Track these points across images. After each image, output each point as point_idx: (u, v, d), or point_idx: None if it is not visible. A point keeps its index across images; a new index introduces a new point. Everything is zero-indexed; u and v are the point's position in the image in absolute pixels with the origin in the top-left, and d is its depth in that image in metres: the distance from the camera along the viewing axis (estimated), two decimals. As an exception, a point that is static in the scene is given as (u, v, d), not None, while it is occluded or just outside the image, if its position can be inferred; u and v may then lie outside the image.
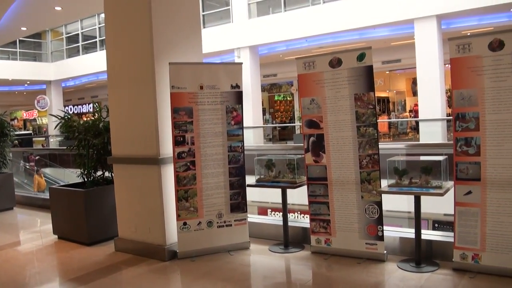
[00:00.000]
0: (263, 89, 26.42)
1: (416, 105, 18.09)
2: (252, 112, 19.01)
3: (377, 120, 5.41)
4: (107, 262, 6.03)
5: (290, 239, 6.14)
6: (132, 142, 6.18)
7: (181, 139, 5.83)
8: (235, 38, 19.50)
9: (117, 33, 6.35)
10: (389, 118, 23.45)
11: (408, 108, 24.99)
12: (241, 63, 6.26)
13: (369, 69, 5.32)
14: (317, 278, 5.37)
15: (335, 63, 5.48)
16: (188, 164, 5.86)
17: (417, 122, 18.29)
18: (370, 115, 5.35)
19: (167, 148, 5.91)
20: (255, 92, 19.49)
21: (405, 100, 26.00)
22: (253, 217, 6.76)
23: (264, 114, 25.47)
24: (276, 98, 30.05)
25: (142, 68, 5.96)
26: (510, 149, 4.65)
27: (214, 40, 19.51)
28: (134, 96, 6.09)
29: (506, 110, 4.64)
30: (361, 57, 5.34)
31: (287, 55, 20.41)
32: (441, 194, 4.89)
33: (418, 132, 17.69)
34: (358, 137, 5.41)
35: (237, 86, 6.08)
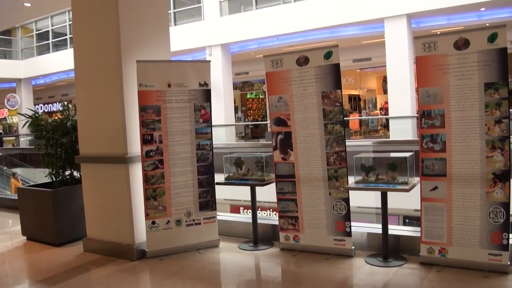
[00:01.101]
0: (235, 87, 26.42)
1: (387, 103, 18.29)
2: (224, 110, 19.00)
3: (346, 118, 5.48)
4: (75, 263, 5.96)
5: (259, 236, 6.17)
6: (99, 141, 6.13)
7: (149, 137, 5.80)
8: (206, 36, 19.45)
9: (84, 31, 6.28)
10: (360, 116, 23.66)
11: (379, 106, 25.26)
12: (209, 61, 6.26)
13: (336, 67, 5.38)
14: (285, 275, 5.40)
15: (303, 61, 5.52)
16: (156, 162, 5.83)
17: (387, 120, 18.51)
18: (337, 113, 5.41)
19: (135, 146, 5.87)
20: (227, 90, 19.47)
21: (376, 98, 26.28)
22: (222, 215, 6.76)
23: (236, 112, 25.48)
24: (248, 96, 30.06)
25: (109, 66, 5.91)
26: (475, 145, 4.76)
27: (185, 37, 19.44)
28: (101, 95, 6.04)
29: (470, 108, 4.75)
30: (328, 55, 5.39)
31: (258, 53, 20.41)
32: (407, 190, 4.97)
33: (388, 129, 17.91)
34: (326, 134, 5.46)
35: (205, 84, 6.07)
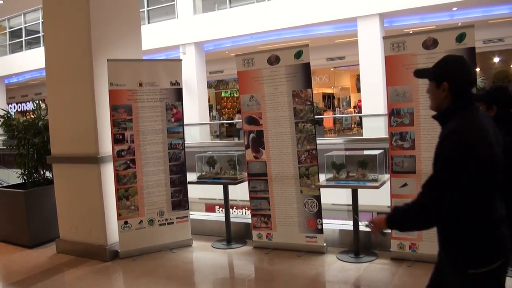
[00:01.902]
0: (210, 85, 26.36)
1: (360, 101, 18.45)
2: (198, 108, 18.91)
3: (318, 117, 5.51)
4: (48, 265, 5.88)
5: (233, 235, 6.18)
6: (71, 140, 6.06)
7: (121, 137, 5.76)
8: (180, 34, 19.33)
9: (55, 29, 6.20)
10: (334, 114, 23.82)
11: (352, 104, 25.47)
12: (180, 60, 6.25)
13: (306, 66, 5.42)
14: (258, 272, 5.44)
15: (274, 60, 5.54)
16: (128, 162, 5.79)
17: (361, 118, 18.67)
18: (307, 111, 5.45)
19: (106, 146, 5.82)
20: (201, 89, 19.38)
21: (350, 96, 26.49)
22: (195, 214, 6.76)
23: (211, 110, 25.42)
24: (223, 94, 30.01)
25: (80, 65, 5.85)
26: (442, 143, 4.83)
27: (159, 36, 19.29)
28: (72, 94, 5.97)
29: (438, 106, 4.82)
30: (298, 55, 5.42)
31: (233, 51, 20.30)
32: (377, 187, 5.04)
33: (362, 127, 18.06)
34: (297, 133, 5.50)
35: (177, 83, 6.06)
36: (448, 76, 2.53)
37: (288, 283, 4.88)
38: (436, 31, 4.86)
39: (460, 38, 4.72)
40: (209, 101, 23.53)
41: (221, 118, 28.59)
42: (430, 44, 4.83)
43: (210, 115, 23.28)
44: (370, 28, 16.15)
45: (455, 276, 2.51)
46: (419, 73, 2.78)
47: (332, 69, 24.38)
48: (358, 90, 22.19)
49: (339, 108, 26.34)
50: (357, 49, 16.47)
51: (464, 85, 2.53)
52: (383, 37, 5.13)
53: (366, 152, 5.72)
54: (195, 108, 18.79)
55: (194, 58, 19.07)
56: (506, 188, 2.55)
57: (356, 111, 22.60)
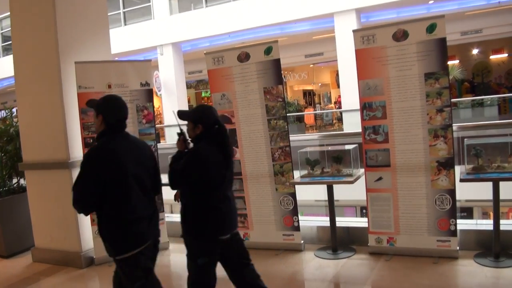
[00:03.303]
0: (190, 86, 26.18)
1: (340, 96, 18.44)
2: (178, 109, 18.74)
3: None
4: (24, 274, 5.76)
5: (210, 236, 6.08)
6: (41, 146, 5.92)
7: (91, 140, 5.62)
8: (157, 35, 19.14)
9: (22, 34, 6.06)
10: (314, 110, 23.81)
11: (333, 100, 25.46)
12: (149, 60, 6.15)
13: (277, 62, 5.34)
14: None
15: (243, 57, 5.46)
16: (101, 166, 5.66)
17: (341, 113, 18.67)
18: (279, 108, 5.37)
19: (77, 151, 5.70)
20: (180, 89, 19.21)
21: (330, 92, 26.48)
22: (172, 216, 6.66)
23: (191, 111, 25.23)
24: (203, 94, 29.77)
25: (48, 69, 5.73)
26: (417, 135, 4.80)
27: (136, 37, 19.12)
28: (41, 98, 5.84)
29: (412, 98, 4.79)
30: (268, 51, 5.34)
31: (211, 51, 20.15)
32: (351, 182, 4.98)
33: (342, 122, 18.07)
34: (269, 130, 5.43)
35: (147, 84, 5.95)
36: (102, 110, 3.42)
37: (265, 283, 4.80)
38: (406, 23, 4.80)
39: (431, 28, 4.68)
40: (189, 102, 23.37)
41: (202, 118, 28.26)
42: (400, 36, 4.78)
43: (190, 116, 23.06)
44: (347, 23, 16.08)
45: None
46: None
47: (311, 65, 24.31)
48: (338, 86, 22.23)
49: (320, 104, 26.31)
50: (335, 45, 16.42)
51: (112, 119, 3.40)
52: (353, 31, 5.06)
53: (339, 147, 5.65)
54: (175, 109, 18.60)
55: (172, 59, 18.90)
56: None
57: (337, 106, 22.59)
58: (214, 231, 3.47)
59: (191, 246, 3.58)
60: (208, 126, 3.50)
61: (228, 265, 3.67)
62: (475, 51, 21.35)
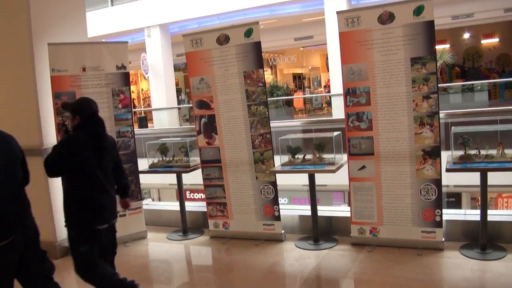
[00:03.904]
0: (178, 68, 25.82)
1: (329, 80, 18.22)
2: (165, 92, 18.42)
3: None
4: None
5: (189, 224, 5.93)
6: (13, 132, 5.57)
7: (65, 126, 5.37)
8: (144, 16, 18.77)
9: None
10: (304, 94, 23.56)
11: (323, 84, 25.23)
12: (126, 42, 5.88)
13: (257, 45, 5.10)
14: (214, 264, 5.21)
15: (223, 40, 5.22)
16: (75, 152, 5.44)
17: (330, 97, 18.46)
18: (260, 93, 5.15)
19: (51, 137, 5.44)
20: (167, 72, 18.87)
21: (320, 76, 26.22)
22: (150, 204, 6.49)
23: (179, 94, 24.90)
24: (192, 77, 29.48)
25: (20, 51, 5.43)
26: (402, 122, 4.61)
27: (122, 18, 18.74)
28: (13, 82, 5.55)
29: (397, 84, 4.58)
30: (248, 33, 5.10)
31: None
32: (333, 171, 4.79)
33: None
34: (249, 116, 5.21)
35: (123, 67, 5.71)
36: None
37: (242, 275, 4.64)
38: (392, 4, 4.57)
39: (418, 11, 4.46)
40: (177, 85, 23.05)
41: (191, 102, 28.04)
42: (386, 18, 4.56)
43: (178, 99, 22.79)
44: (337, 6, 15.80)
45: None
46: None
47: (301, 48, 24.01)
48: (328, 70, 22.05)
49: (310, 88, 26.06)
50: (325, 28, 16.15)
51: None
52: (337, 12, 4.83)
53: (321, 134, 5.45)
54: (163, 92, 18.35)
55: (160, 41, 18.54)
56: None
57: (326, 90, 22.37)
58: (91, 220, 3.58)
59: (72, 235, 3.64)
60: (85, 118, 3.62)
61: (103, 253, 3.77)
62: (466, 36, 21.15)
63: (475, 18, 17.50)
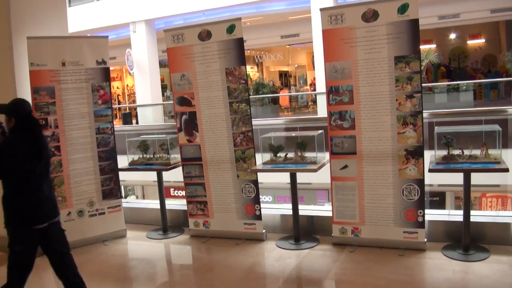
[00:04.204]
0: (164, 64, 25.59)
1: (315, 78, 18.17)
2: (150, 89, 18.27)
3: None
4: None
5: (170, 222, 5.85)
6: (-10, 127, 5.53)
7: (44, 122, 5.28)
8: (130, 11, 18.59)
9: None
10: (289, 92, 23.48)
11: (309, 82, 25.17)
12: (106, 37, 5.76)
13: (239, 41, 5.02)
14: (193, 263, 5.13)
15: (205, 35, 5.13)
16: (53, 149, 5.32)
17: (316, 95, 18.42)
18: (242, 91, 5.07)
19: (29, 131, 5.32)
20: (153, 68, 18.70)
21: (306, 74, 26.16)
22: (130, 202, 6.38)
23: (165, 90, 24.71)
24: (178, 74, 29.31)
25: (-1, 44, 5.32)
26: (385, 122, 4.56)
27: (108, 13, 18.54)
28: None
29: (380, 82, 4.53)
30: (231, 29, 5.02)
31: (185, 29, 19.61)
32: (315, 170, 4.72)
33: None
34: (231, 113, 5.13)
35: (103, 62, 5.59)
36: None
37: (222, 275, 4.56)
38: (376, 2, 4.51)
39: (402, 9, 4.40)
40: (163, 81, 22.85)
41: (176, 98, 27.81)
42: (370, 16, 4.50)
43: (164, 95, 22.60)
44: (323, 4, 15.76)
45: None
46: None
47: (287, 46, 23.95)
48: (314, 68, 21.98)
49: (295, 86, 25.99)
50: (311, 26, 16.10)
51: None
52: (320, 9, 4.77)
53: (305, 133, 5.38)
54: (147, 89, 18.19)
55: (145, 37, 18.38)
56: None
57: (312, 89, 22.33)
58: (28, 220, 3.57)
59: (9, 234, 3.62)
60: (20, 119, 3.61)
61: (48, 253, 3.80)
62: (452, 36, 21.23)
63: (461, 18, 17.55)
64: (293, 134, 5.35)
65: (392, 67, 4.45)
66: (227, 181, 5.28)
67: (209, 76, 5.16)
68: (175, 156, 5.65)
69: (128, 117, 18.11)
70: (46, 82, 5.30)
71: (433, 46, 20.19)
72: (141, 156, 5.80)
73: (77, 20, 18.57)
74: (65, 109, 5.38)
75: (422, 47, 20.45)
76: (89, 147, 5.55)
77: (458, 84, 14.89)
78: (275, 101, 19.02)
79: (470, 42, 21.18)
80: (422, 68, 15.83)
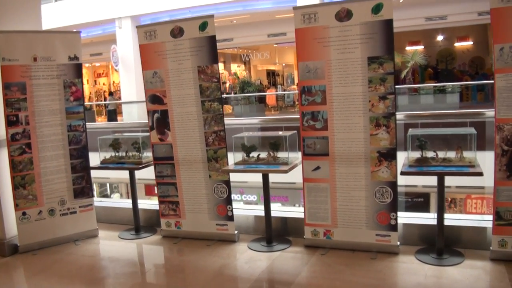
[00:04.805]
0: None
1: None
2: (135, 85, 18.14)
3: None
4: None
5: (144, 222, 5.77)
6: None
7: (14, 118, 5.18)
8: (115, 7, 18.47)
9: None
10: (276, 91, 23.46)
11: (296, 81, 25.14)
12: (79, 32, 5.66)
13: (212, 39, 4.93)
14: (166, 264, 5.04)
15: (177, 32, 5.04)
16: (24, 147, 5.23)
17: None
18: (214, 89, 4.99)
19: (0, 128, 5.21)
20: (138, 65, 18.55)
21: (293, 73, 26.12)
22: (103, 201, 6.29)
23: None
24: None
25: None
26: (357, 123, 4.49)
27: (93, 9, 18.43)
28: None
29: (353, 83, 4.46)
30: (203, 27, 4.93)
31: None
32: (285, 171, 4.64)
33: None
34: (203, 112, 5.04)
35: (76, 58, 5.49)
36: None
37: (190, 277, 4.48)
38: (351, 1, 4.44)
39: (377, 9, 4.34)
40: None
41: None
42: (344, 15, 4.43)
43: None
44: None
45: None
46: None
47: (275, 45, 23.91)
48: (302, 67, 21.84)
49: (283, 85, 25.96)
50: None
51: None
52: (293, 8, 4.71)
53: (277, 133, 5.31)
54: (133, 85, 18.08)
55: (131, 33, 18.27)
56: None
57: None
58: None
59: None
60: None
61: None
62: (440, 38, 21.27)
63: (448, 20, 17.58)
64: (266, 135, 5.27)
65: (366, 67, 4.39)
66: (199, 181, 5.20)
67: (181, 74, 5.08)
68: (148, 155, 5.56)
69: (113, 114, 18.00)
70: (17, 77, 5.18)
71: (421, 47, 20.24)
72: (113, 154, 5.70)
73: (63, 15, 18.43)
74: (36, 106, 5.28)
75: (408, 48, 20.53)
76: (61, 144, 5.44)
77: (443, 86, 14.91)
78: (262, 100, 18.98)
79: (458, 44, 21.26)
80: (407, 69, 15.93)
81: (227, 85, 23.29)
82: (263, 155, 4.99)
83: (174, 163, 5.28)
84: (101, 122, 19.37)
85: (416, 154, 4.49)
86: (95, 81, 28.11)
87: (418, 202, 12.32)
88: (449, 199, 13.84)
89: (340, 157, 4.60)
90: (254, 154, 5.03)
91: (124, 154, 5.67)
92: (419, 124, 5.53)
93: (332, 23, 4.47)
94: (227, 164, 5.04)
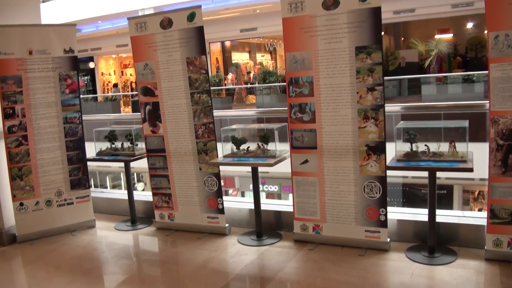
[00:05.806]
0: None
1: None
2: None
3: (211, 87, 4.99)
4: None
5: (141, 214, 5.79)
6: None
7: (11, 111, 5.26)
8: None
9: None
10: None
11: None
12: (74, 24, 5.68)
13: (200, 30, 4.87)
14: (155, 256, 5.06)
15: (166, 24, 5.00)
16: (20, 139, 5.30)
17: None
18: (203, 81, 4.94)
19: (-3, 121, 5.30)
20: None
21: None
22: (102, 192, 6.33)
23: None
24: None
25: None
26: (346, 115, 4.36)
27: (119, 1, 18.52)
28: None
29: (341, 74, 4.32)
30: (191, 17, 4.87)
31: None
32: (271, 165, 4.55)
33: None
34: (193, 104, 5.00)
35: (71, 51, 5.52)
36: None
37: (173, 270, 4.46)
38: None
39: (362, -5, 4.18)
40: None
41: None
42: (331, 3, 4.29)
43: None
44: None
45: None
46: None
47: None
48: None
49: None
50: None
51: None
52: (278, -4, 4.59)
53: (266, 125, 5.22)
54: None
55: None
56: None
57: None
58: None
59: None
60: None
61: None
62: (469, 25, 20.66)
63: (476, 6, 17.02)
64: (256, 127, 5.20)
65: (353, 58, 4.25)
66: (190, 174, 5.17)
67: (170, 66, 5.04)
68: (143, 147, 5.55)
69: (117, 106, 18.08)
70: (13, 70, 5.25)
71: (450, 35, 19.72)
72: (109, 146, 5.72)
73: (88, 7, 18.58)
74: (32, 98, 5.34)
75: (438, 36, 20.03)
76: (57, 136, 5.50)
77: (469, 75, 14.45)
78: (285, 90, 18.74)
79: (489, 32, 20.58)
80: (431, 57, 15.42)
81: (251, 75, 23.14)
82: (253, 147, 4.91)
83: (166, 155, 5.26)
84: (127, 113, 19.49)
85: (406, 148, 4.36)
86: (122, 71, 28.38)
87: (441, 194, 12.03)
88: (477, 192, 13.49)
89: (328, 150, 4.49)
90: (244, 147, 4.96)
91: (120, 146, 5.68)
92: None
93: (319, 12, 4.34)
94: (217, 157, 5.00)
